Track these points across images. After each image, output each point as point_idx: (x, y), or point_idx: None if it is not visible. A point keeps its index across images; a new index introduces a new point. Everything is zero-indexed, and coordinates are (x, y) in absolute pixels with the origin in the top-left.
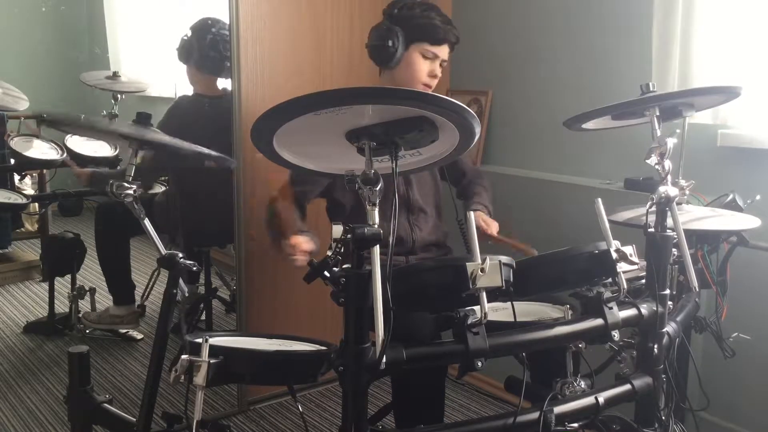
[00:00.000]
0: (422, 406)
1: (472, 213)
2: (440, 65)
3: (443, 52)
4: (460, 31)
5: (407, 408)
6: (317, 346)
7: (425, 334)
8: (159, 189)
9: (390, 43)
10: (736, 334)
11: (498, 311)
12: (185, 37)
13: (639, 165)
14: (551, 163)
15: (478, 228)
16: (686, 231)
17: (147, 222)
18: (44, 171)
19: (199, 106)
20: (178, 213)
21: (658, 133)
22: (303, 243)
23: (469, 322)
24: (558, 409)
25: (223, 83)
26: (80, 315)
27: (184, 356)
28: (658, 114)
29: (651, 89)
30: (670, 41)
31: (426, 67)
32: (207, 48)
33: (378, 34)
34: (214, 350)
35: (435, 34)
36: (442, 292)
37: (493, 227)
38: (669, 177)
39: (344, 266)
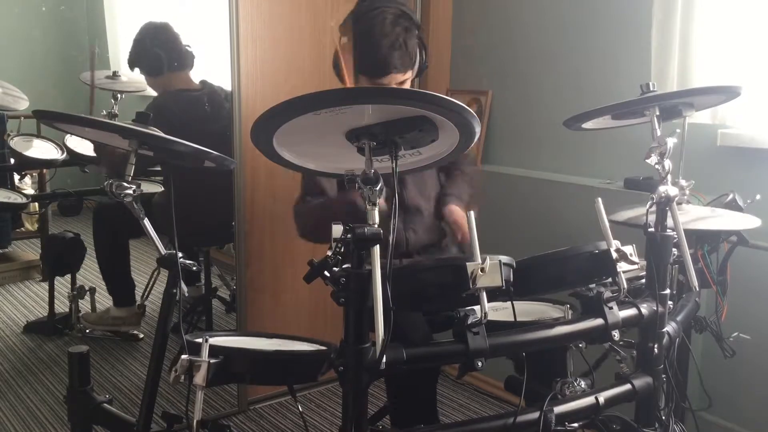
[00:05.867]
0: (415, 406)
1: (472, 213)
2: (400, 85)
3: (390, 80)
4: (462, 31)
5: (401, 408)
6: (317, 346)
7: (419, 336)
8: (158, 189)
9: (339, 73)
10: (736, 334)
11: (498, 311)
12: (146, 50)
13: (639, 165)
14: (551, 163)
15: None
16: (686, 231)
17: (147, 222)
18: (44, 171)
19: (187, 100)
20: (177, 213)
21: (658, 132)
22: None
23: (469, 322)
24: (558, 409)
25: (200, 75)
26: (80, 315)
27: (184, 356)
28: (658, 114)
29: (651, 89)
30: (670, 41)
31: None
32: (178, 46)
33: (334, 57)
34: (214, 350)
35: (373, 69)
36: (442, 291)
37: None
38: (669, 177)
39: (344, 266)
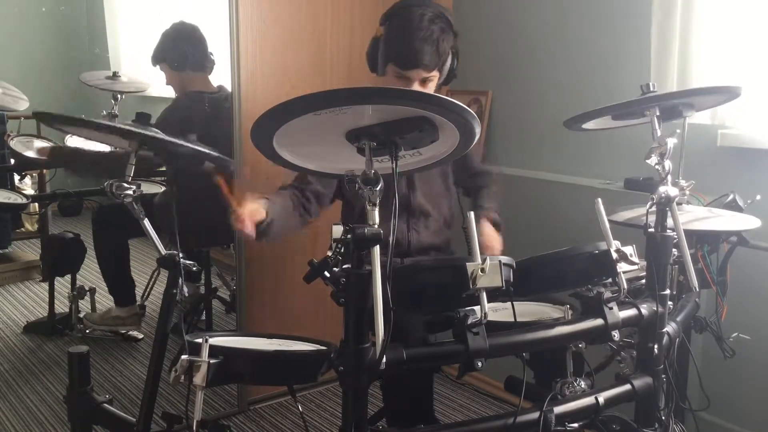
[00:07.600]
0: (411, 406)
1: (472, 213)
2: (424, 83)
3: (416, 74)
4: (462, 31)
5: (396, 408)
6: (317, 346)
7: (416, 336)
8: (158, 189)
9: (373, 57)
10: (736, 334)
11: (498, 311)
12: (177, 45)
13: (639, 165)
14: (551, 163)
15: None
16: (686, 231)
17: (147, 222)
18: (44, 171)
19: (200, 104)
20: (177, 213)
21: (659, 133)
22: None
23: (469, 322)
24: (558, 409)
25: (218, 80)
26: (82, 316)
27: (184, 356)
28: (658, 114)
29: (651, 89)
30: (669, 41)
31: (400, 86)
32: (205, 48)
33: (370, 44)
34: (214, 350)
35: (402, 59)
36: (442, 292)
37: (496, 246)
38: (669, 177)
39: (344, 266)
